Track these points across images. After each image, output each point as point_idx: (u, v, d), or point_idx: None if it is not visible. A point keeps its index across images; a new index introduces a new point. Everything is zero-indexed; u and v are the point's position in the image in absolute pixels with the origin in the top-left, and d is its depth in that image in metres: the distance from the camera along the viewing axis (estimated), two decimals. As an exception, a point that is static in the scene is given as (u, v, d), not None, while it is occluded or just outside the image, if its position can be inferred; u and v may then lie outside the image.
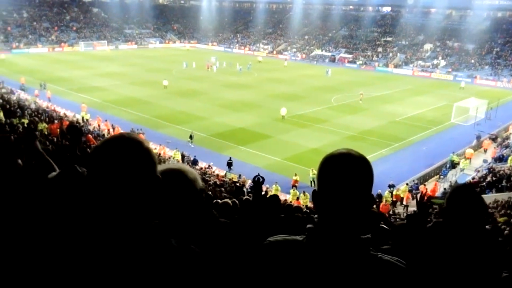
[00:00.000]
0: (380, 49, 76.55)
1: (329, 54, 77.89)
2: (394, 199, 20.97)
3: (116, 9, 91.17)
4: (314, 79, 54.22)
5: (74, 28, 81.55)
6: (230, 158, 24.17)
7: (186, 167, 1.83)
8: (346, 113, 36.66)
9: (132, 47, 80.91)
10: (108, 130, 28.17)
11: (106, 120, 29.74)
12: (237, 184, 18.77)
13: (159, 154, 24.43)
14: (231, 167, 23.76)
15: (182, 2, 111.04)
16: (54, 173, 3.00)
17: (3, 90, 33.96)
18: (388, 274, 1.38)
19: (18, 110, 21.49)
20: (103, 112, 32.79)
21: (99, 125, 29.01)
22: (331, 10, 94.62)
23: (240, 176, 21.81)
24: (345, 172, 1.38)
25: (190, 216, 1.74)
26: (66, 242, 1.31)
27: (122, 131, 1.28)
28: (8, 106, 21.67)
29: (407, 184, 21.92)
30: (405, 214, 17.68)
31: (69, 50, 72.31)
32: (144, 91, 42.15)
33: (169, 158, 24.31)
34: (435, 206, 11.47)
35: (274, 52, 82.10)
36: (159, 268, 1.28)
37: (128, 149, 1.27)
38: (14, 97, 31.14)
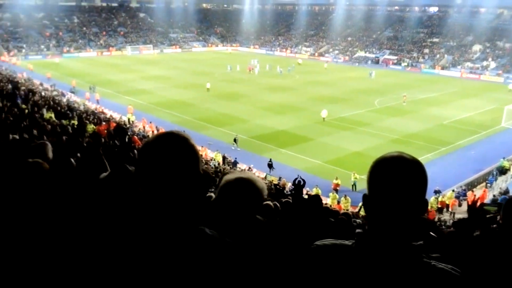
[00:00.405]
0: (426, 50, 74.31)
1: (373, 56, 76.45)
2: (440, 206, 20.25)
3: (161, 14, 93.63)
4: (357, 81, 53.38)
5: (122, 33, 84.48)
6: (271, 159, 24.21)
7: (255, 176, 1.97)
8: (390, 115, 35.81)
9: (176, 51, 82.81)
10: (153, 131, 28.93)
11: (150, 122, 30.57)
12: (278, 187, 18.74)
13: (201, 155, 24.79)
14: (272, 168, 23.78)
15: (225, 6, 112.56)
16: (105, 174, 3.12)
17: (55, 93, 35.71)
18: (443, 282, 1.32)
19: (68, 112, 22.50)
20: (148, 114, 33.72)
21: (144, 127, 29.85)
22: (375, 11, 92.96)
23: (280, 178, 21.78)
24: (398, 175, 1.34)
25: (245, 217, 1.81)
26: (114, 236, 1.40)
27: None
28: (59, 108, 22.75)
29: (453, 190, 21.11)
30: (451, 221, 17.03)
31: (117, 54, 74.91)
32: (187, 93, 43.00)
33: (211, 159, 24.65)
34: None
35: (316, 54, 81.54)
36: (194, 254, 1.36)
37: (176, 144, 1.39)
38: (64, 99, 32.66)
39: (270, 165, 23.90)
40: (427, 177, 1.38)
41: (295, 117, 34.98)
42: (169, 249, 1.35)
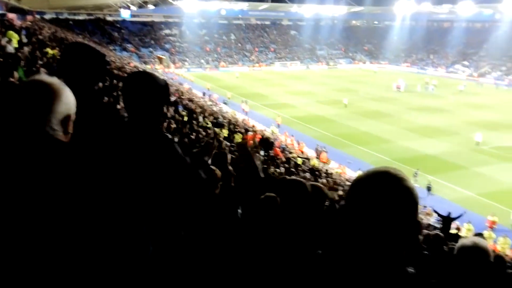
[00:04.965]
0: None
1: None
2: None
3: (310, 31, 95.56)
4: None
5: (272, 49, 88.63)
6: (430, 183, 23.01)
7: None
8: None
9: (321, 68, 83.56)
10: (293, 145, 29.50)
11: (292, 135, 31.19)
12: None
13: (340, 174, 24.35)
14: (430, 192, 22.35)
15: (376, 22, 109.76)
16: None
17: (209, 103, 38.97)
18: None
19: (220, 120, 24.27)
20: (291, 128, 34.43)
21: (285, 140, 30.57)
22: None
23: (425, 207, 20.09)
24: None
25: None
26: None
27: (385, 166, 1.23)
28: (212, 117, 24.69)
29: None
30: None
31: (266, 69, 78.67)
32: (330, 109, 42.86)
33: (350, 178, 24.00)
34: None
35: (477, 75, 74.09)
36: None
37: (389, 185, 1.24)
38: (215, 109, 35.32)
39: (429, 188, 22.54)
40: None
41: (446, 141, 32.10)
42: None
